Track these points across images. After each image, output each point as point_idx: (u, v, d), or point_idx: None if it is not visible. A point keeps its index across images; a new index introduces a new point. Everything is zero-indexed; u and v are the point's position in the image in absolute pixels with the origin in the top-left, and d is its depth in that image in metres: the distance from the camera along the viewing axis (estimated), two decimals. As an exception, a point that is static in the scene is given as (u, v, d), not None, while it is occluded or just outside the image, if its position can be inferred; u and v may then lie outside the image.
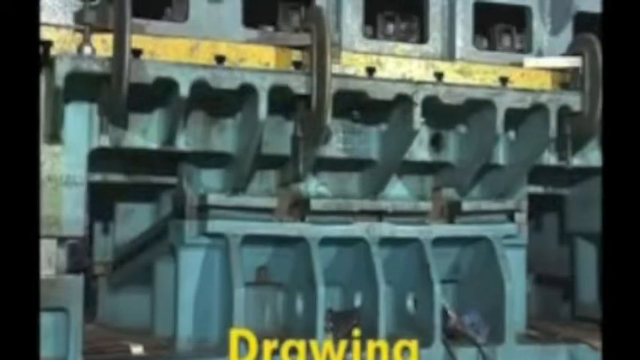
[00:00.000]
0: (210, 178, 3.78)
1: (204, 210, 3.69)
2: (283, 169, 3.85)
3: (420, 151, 3.96)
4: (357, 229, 3.87)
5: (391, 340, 3.71)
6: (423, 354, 3.78)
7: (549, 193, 4.55)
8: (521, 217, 4.20)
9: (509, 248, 4.12)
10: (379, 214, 3.94)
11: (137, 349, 3.60)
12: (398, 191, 4.05)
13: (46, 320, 3.16)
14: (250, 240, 3.71)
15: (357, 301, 3.92)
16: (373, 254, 3.82)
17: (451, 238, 4.07)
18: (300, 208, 3.84)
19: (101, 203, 4.16)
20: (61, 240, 3.40)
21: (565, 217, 4.65)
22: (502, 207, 4.16)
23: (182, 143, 3.60)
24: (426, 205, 4.03)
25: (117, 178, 3.83)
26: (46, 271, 3.26)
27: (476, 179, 4.10)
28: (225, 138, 3.68)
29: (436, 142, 4.01)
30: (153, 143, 3.56)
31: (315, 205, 3.82)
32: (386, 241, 3.90)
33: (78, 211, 3.41)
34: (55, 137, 3.36)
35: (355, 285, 3.93)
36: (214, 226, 3.66)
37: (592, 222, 4.08)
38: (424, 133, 3.95)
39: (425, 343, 3.81)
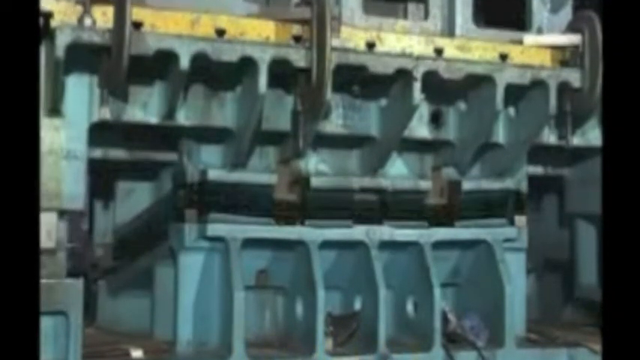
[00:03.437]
0: (211, 155, 3.78)
1: (204, 186, 3.68)
2: (283, 146, 3.85)
3: (419, 128, 3.97)
4: (356, 232, 3.87)
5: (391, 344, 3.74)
6: (423, 358, 3.79)
7: (549, 174, 4.55)
8: (520, 220, 4.20)
9: (509, 251, 4.13)
10: (380, 193, 3.93)
11: (137, 353, 3.59)
12: (398, 170, 4.05)
13: (45, 324, 3.16)
14: (250, 243, 3.70)
15: (357, 305, 3.91)
16: (373, 258, 3.82)
17: (451, 242, 4.07)
18: (301, 185, 3.84)
19: (101, 181, 4.13)
20: (62, 213, 3.37)
21: (565, 198, 4.64)
22: (502, 186, 4.16)
23: (182, 117, 3.59)
24: (426, 184, 4.04)
25: (117, 153, 3.81)
26: (46, 244, 3.24)
27: (476, 158, 4.11)
28: (225, 113, 3.68)
29: (436, 120, 4.02)
30: (153, 117, 3.56)
31: (316, 182, 3.82)
32: (386, 245, 3.90)
33: (78, 185, 3.39)
34: (56, 110, 3.35)
35: (355, 288, 3.92)
36: (214, 229, 3.66)
37: (592, 203, 4.08)
38: (424, 110, 3.95)
39: (425, 346, 3.82)
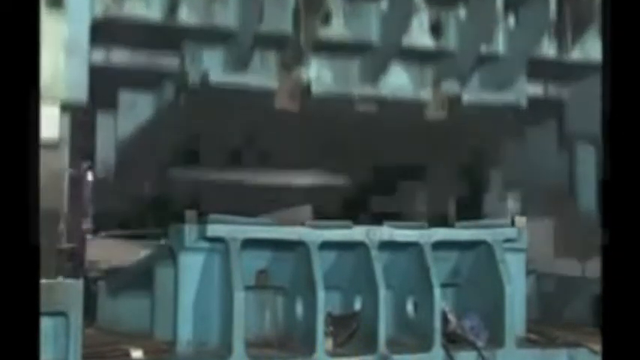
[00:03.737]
0: (212, 58, 3.79)
1: (205, 87, 3.68)
2: (284, 51, 3.86)
3: (420, 37, 3.98)
4: (356, 232, 3.87)
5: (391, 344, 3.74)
6: (423, 358, 3.79)
7: (549, 96, 4.54)
8: (521, 221, 4.20)
9: (509, 252, 4.12)
10: (380, 102, 3.94)
11: (137, 354, 3.59)
12: (399, 82, 4.07)
13: (45, 325, 3.15)
14: (250, 244, 3.71)
15: (357, 305, 3.92)
16: (373, 258, 3.82)
17: (451, 242, 4.07)
18: (301, 92, 3.86)
19: (103, 91, 4.02)
20: (65, 107, 3.32)
21: (564, 121, 4.63)
22: (502, 99, 4.16)
23: (184, 15, 3.59)
24: (426, 94, 4.05)
25: (120, 56, 3.78)
26: (47, 135, 3.17)
27: (476, 71, 4.11)
28: (227, 11, 3.68)
29: (436, 29, 4.02)
30: (155, 12, 3.55)
31: (316, 89, 3.82)
32: (386, 245, 3.90)
33: (81, 78, 3.35)
34: (57, 0, 3.30)
35: (355, 289, 3.93)
36: (214, 230, 3.66)
37: (591, 124, 4.04)
38: (424, 18, 3.97)
39: (425, 347, 3.82)
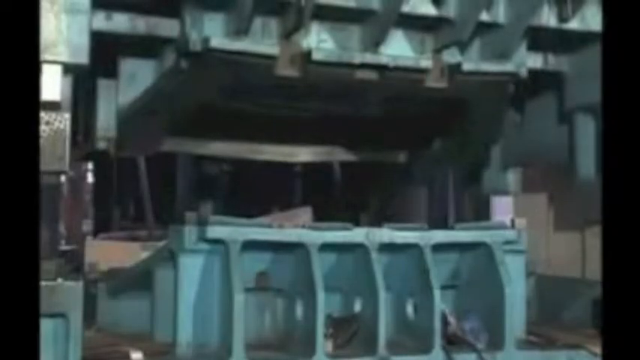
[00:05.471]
0: (213, 25, 3.79)
1: (207, 53, 3.70)
2: (285, 17, 3.86)
3: (421, 3, 3.98)
4: (356, 234, 3.87)
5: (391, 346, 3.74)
6: (422, 360, 3.80)
7: (549, 67, 4.54)
8: (521, 222, 4.21)
9: (509, 254, 4.12)
10: (380, 69, 3.94)
11: (137, 355, 3.59)
12: (399, 50, 4.07)
13: (45, 326, 3.15)
14: (250, 245, 3.71)
15: (357, 307, 3.92)
16: (373, 260, 3.82)
17: (451, 244, 4.07)
18: (302, 58, 3.86)
19: (104, 59, 4.04)
20: (67, 69, 3.28)
21: (564, 92, 4.62)
22: (502, 69, 4.16)
23: None
24: (426, 62, 4.06)
25: (120, 21, 3.75)
26: (49, 97, 3.14)
27: (476, 40, 4.12)
28: None
29: None
30: None
31: (316, 55, 3.82)
32: (385, 247, 3.90)
33: (83, 38, 3.33)
34: None
35: (355, 291, 3.93)
36: (214, 231, 3.66)
37: (591, 95, 4.07)
38: None
39: (425, 348, 3.82)
